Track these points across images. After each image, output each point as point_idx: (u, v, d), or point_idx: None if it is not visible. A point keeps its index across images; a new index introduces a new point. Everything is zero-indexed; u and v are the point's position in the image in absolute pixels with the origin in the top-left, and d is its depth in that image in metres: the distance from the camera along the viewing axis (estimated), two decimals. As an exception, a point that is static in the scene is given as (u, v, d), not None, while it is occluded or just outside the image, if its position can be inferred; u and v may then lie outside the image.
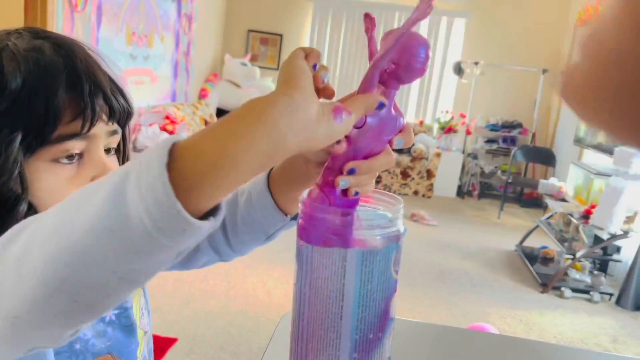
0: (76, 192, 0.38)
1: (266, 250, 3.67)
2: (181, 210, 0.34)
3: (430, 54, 0.49)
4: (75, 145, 0.56)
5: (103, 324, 0.64)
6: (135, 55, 4.45)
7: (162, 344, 2.76)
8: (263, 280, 3.16)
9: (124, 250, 0.35)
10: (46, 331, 0.38)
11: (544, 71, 5.76)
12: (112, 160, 0.62)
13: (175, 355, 2.26)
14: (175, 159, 0.35)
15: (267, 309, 2.79)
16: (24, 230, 0.38)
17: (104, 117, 0.58)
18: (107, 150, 0.61)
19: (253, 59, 6.29)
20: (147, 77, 4.73)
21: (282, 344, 0.88)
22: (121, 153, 0.67)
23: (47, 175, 0.55)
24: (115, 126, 0.61)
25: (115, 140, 0.62)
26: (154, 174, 0.34)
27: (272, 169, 0.68)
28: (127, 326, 0.66)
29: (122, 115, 0.60)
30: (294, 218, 0.67)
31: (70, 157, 0.56)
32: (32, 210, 0.55)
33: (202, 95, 5.91)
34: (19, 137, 0.52)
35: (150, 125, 4.44)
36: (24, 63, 0.53)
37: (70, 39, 0.59)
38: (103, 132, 0.59)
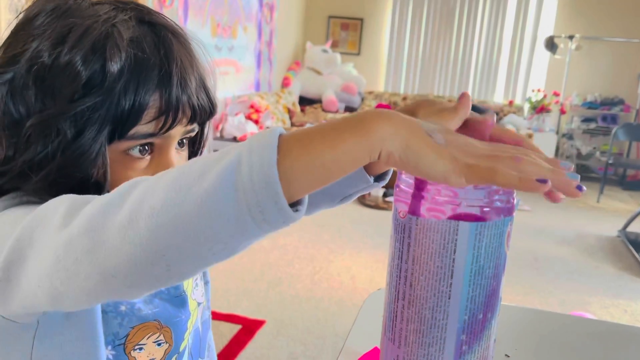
0: (185, 167, 0.40)
1: (350, 235, 3.68)
2: (287, 209, 0.37)
3: None
4: (149, 141, 0.56)
5: (150, 294, 0.62)
6: (220, 47, 4.58)
7: (251, 326, 2.83)
8: (347, 265, 3.16)
9: (228, 233, 0.38)
10: (135, 291, 0.41)
11: (650, 41, 5.28)
12: (181, 156, 0.61)
13: (263, 337, 2.31)
14: (281, 155, 0.38)
15: (351, 294, 2.78)
16: (129, 196, 0.40)
17: (184, 120, 0.57)
18: (181, 142, 0.61)
19: (334, 45, 6.27)
20: (232, 67, 4.86)
21: (366, 326, 0.85)
22: (195, 146, 0.66)
23: (117, 166, 0.55)
24: (194, 126, 0.60)
25: (190, 136, 0.61)
26: (266, 174, 0.37)
27: None
28: (176, 297, 0.65)
29: (202, 116, 0.59)
30: (377, 179, 0.63)
31: (142, 150, 0.56)
32: None
33: (285, 84, 5.99)
34: (107, 132, 0.52)
35: (237, 114, 4.57)
36: (125, 59, 0.53)
37: (172, 29, 0.58)
38: (179, 132, 0.58)
